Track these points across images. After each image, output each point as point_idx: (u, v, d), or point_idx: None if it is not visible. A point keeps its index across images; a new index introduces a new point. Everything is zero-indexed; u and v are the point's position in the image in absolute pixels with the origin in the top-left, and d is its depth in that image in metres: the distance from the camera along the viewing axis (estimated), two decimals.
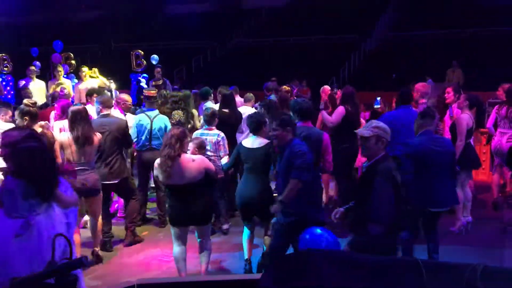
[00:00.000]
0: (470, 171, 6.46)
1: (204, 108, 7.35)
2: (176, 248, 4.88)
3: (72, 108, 5.46)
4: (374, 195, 3.60)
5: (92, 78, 11.39)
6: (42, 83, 11.74)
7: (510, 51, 16.18)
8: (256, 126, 5.12)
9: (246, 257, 5.23)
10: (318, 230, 3.84)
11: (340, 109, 6.64)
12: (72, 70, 13.05)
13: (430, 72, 14.15)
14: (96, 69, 11.69)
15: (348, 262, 1.99)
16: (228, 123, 6.71)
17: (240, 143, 5.23)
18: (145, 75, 13.45)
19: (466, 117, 6.17)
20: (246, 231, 5.26)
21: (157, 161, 4.74)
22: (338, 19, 21.79)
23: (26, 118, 5.11)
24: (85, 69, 11.55)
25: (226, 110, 6.90)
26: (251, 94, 8.41)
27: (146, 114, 6.66)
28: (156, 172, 4.84)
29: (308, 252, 2.14)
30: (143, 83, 12.79)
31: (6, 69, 13.24)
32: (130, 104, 7.31)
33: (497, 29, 18.59)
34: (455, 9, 20.57)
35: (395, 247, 3.92)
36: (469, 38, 18.90)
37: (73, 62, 13.52)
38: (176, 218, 4.79)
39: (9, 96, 11.69)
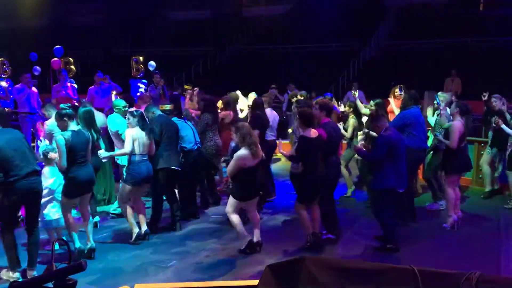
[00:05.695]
0: (460, 173, 7.02)
1: None
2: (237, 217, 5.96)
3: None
4: None
5: (105, 83, 11.93)
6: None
7: (509, 61, 16.24)
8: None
9: (310, 231, 6.07)
10: None
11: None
12: (72, 75, 13.07)
13: (428, 81, 14.19)
14: (107, 76, 12.31)
15: (343, 269, 2.00)
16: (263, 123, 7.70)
17: (305, 136, 5.93)
18: (144, 80, 13.48)
19: (459, 124, 6.61)
20: (304, 211, 6.09)
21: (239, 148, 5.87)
22: (337, 27, 21.85)
23: (65, 119, 5.63)
24: (99, 74, 12.10)
25: (259, 112, 7.82)
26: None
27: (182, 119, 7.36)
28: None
29: (303, 259, 2.15)
30: (142, 89, 12.84)
31: (5, 73, 13.26)
32: None
33: (495, 39, 18.69)
34: (454, 18, 20.66)
35: None
36: (467, 47, 18.97)
37: (72, 67, 13.55)
38: (248, 194, 5.94)
39: (8, 101, 11.67)
